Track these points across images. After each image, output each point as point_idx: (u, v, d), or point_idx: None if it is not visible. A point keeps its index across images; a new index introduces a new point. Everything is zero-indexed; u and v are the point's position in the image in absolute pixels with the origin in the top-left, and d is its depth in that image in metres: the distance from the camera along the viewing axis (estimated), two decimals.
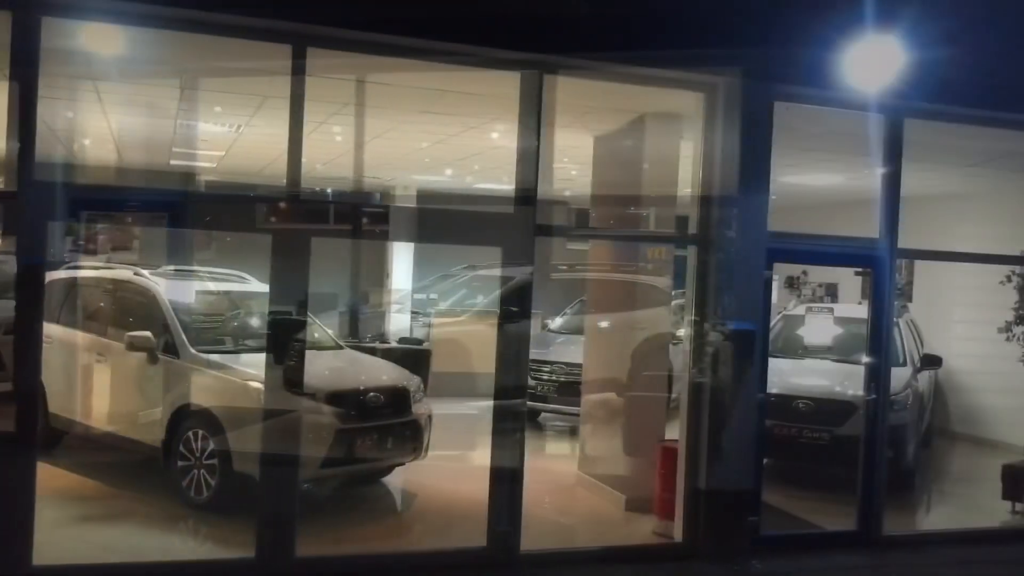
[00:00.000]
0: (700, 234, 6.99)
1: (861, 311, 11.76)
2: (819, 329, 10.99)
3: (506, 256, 6.48)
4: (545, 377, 11.88)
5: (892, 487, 9.38)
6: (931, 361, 10.41)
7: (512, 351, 6.49)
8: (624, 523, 7.82)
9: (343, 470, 7.65)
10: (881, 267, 7.51)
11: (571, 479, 9.16)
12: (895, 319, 10.98)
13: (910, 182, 12.34)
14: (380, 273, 17.03)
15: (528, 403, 12.30)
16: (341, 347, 9.16)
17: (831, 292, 15.50)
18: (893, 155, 7.51)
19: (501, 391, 6.55)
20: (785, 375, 9.88)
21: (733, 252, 6.91)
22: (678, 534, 7.06)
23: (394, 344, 14.77)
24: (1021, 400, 11.71)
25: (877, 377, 7.51)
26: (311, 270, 6.09)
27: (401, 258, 16.46)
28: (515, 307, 6.48)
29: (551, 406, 11.85)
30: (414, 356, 14.38)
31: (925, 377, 10.72)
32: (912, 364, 10.23)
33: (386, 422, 7.74)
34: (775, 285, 17.22)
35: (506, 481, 6.50)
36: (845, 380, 9.66)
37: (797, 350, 10.95)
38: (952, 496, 9.88)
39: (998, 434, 12.09)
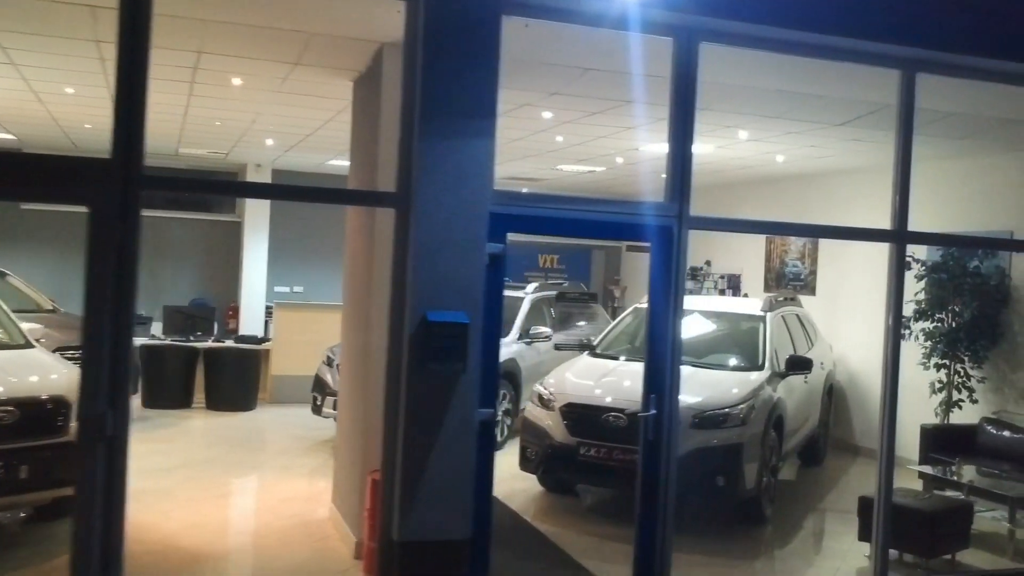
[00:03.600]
0: (399, 192, 5.12)
1: (739, 304, 9.97)
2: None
3: (96, 217, 4.61)
4: None
5: (726, 523, 7.58)
6: (798, 365, 8.55)
7: (97, 345, 4.62)
8: None
9: None
10: (664, 240, 5.64)
11: (327, 514, 7.33)
12: (764, 312, 9.19)
13: (792, 153, 10.56)
14: (235, 262, 15.14)
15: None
16: (31, 345, 7.27)
17: (733, 284, 13.66)
18: (685, 90, 5.65)
19: (84, 401, 4.66)
20: (599, 381, 8.04)
21: (440, 217, 5.06)
22: None
23: (228, 343, 12.89)
24: (923, 409, 9.89)
25: (660, 385, 5.64)
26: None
27: (255, 244, 14.59)
28: (99, 286, 4.61)
29: None
30: (247, 357, 12.52)
31: (799, 382, 8.88)
32: (773, 368, 8.40)
33: (15, 446, 5.87)
34: None
35: (95, 525, 4.62)
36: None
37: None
38: (806, 534, 8.00)
39: (903, 450, 10.20)
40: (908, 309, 9.86)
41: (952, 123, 8.16)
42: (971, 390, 9.46)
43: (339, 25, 5.94)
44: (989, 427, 9.05)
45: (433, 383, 5.03)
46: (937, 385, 9.66)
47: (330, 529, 6.97)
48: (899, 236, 6.36)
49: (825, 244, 12.00)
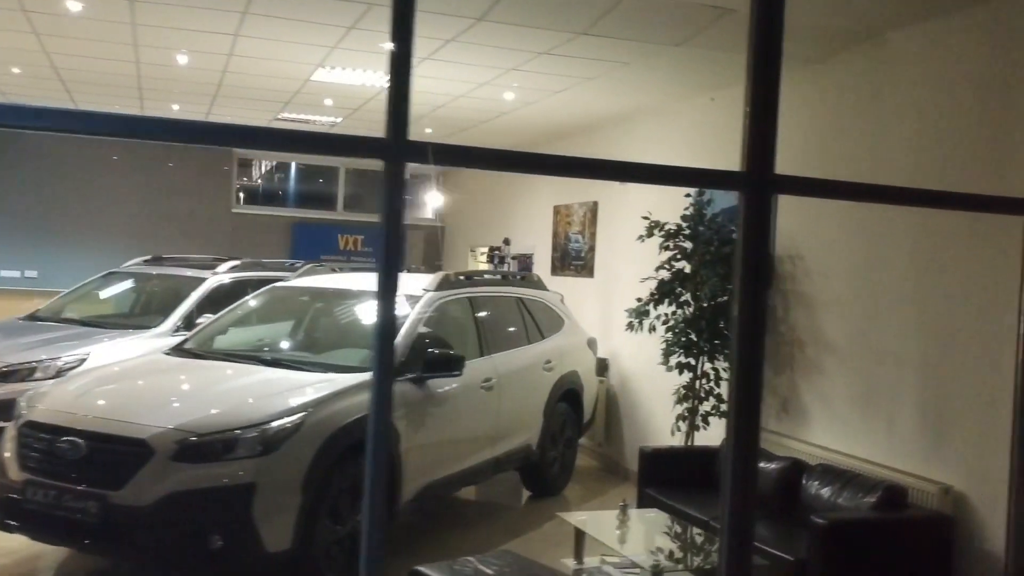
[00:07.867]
0: None
1: (403, 284, 7.52)
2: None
3: None
4: None
5: None
6: (439, 364, 6.06)
7: None
8: None
9: None
10: None
11: None
12: (423, 292, 6.76)
13: (526, 89, 8.11)
14: None
15: None
16: None
17: (525, 266, 11.22)
18: None
19: None
20: (97, 388, 5.60)
21: None
22: None
23: None
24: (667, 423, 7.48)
25: None
26: None
27: None
28: None
29: None
30: None
31: (468, 388, 6.46)
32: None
33: None
34: (471, 259, 12.91)
35: None
36: (193, 396, 5.45)
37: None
38: None
39: None
40: (645, 290, 7.50)
41: (651, 20, 5.74)
42: (720, 399, 7.01)
43: None
44: None
45: None
46: (682, 392, 7.22)
47: None
48: (394, 150, 3.90)
49: (602, 214, 9.53)
